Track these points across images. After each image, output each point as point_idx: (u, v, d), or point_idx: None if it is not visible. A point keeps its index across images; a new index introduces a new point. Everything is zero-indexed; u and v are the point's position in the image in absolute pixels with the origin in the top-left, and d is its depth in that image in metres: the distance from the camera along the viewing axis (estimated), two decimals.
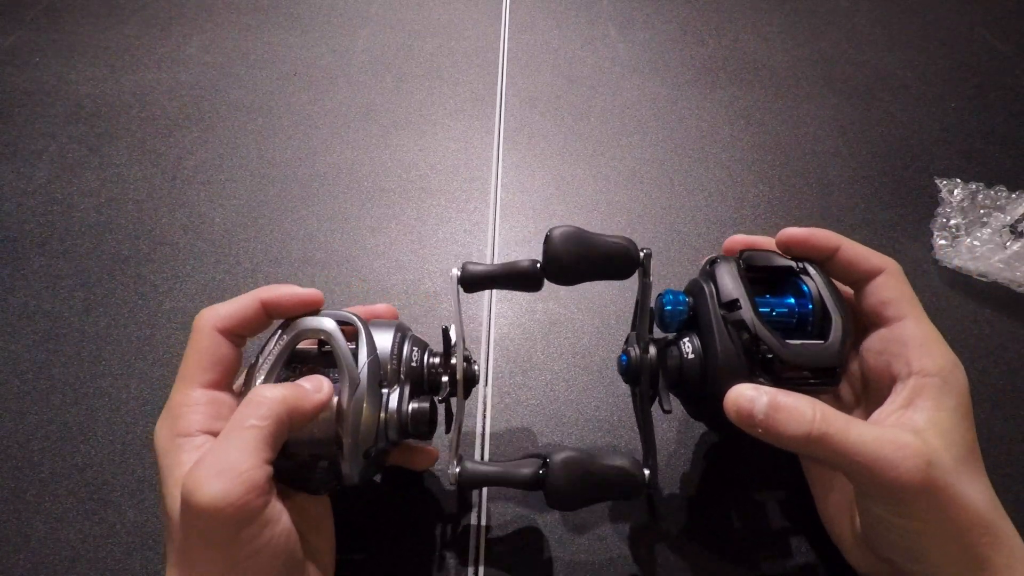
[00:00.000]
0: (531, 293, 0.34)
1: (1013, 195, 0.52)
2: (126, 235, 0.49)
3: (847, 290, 0.32)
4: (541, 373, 0.41)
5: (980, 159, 0.58)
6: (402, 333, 0.31)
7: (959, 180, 0.53)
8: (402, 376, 0.29)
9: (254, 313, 0.29)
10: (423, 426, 0.29)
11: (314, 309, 0.30)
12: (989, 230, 0.49)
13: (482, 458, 0.37)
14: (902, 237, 0.51)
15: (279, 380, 0.27)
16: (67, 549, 0.33)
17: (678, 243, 0.49)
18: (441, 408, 0.32)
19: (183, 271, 0.46)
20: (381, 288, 0.46)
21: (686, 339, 0.30)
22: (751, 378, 0.28)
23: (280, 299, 0.29)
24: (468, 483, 0.30)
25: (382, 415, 0.28)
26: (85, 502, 0.35)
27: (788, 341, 0.28)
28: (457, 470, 0.30)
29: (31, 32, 0.68)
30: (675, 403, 0.33)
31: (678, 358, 0.30)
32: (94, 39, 0.68)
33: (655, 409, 0.31)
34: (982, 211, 0.51)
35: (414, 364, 0.30)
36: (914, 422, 0.25)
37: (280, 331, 0.29)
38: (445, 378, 0.31)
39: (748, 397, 0.26)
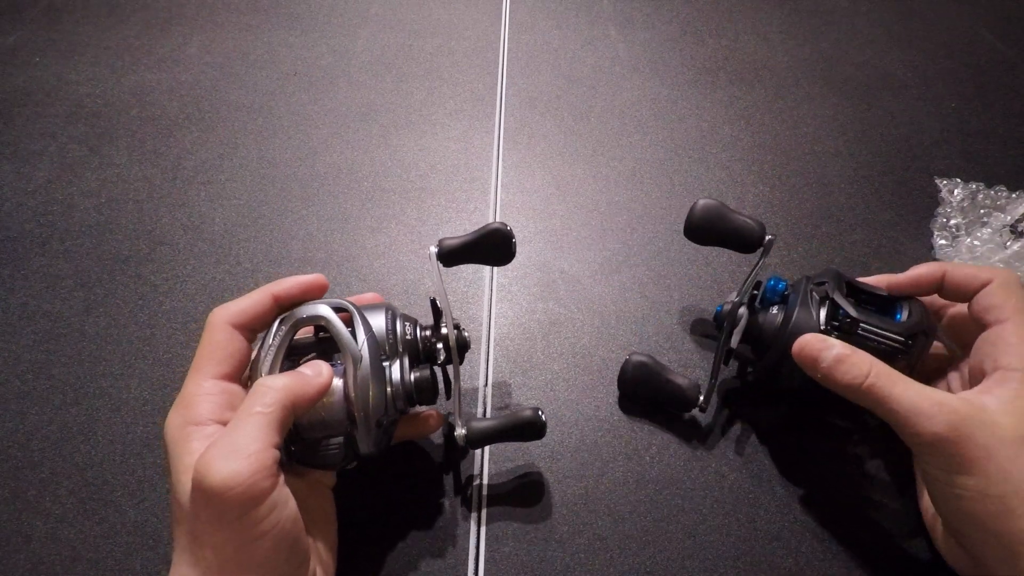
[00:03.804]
0: (502, 267, 0.36)
1: (1013, 195, 0.52)
2: (126, 235, 0.49)
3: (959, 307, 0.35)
4: (541, 373, 0.41)
5: (980, 159, 0.58)
6: (392, 312, 0.32)
7: (959, 180, 0.53)
8: (400, 350, 0.31)
9: (266, 308, 0.30)
10: (427, 392, 0.31)
11: (320, 294, 0.32)
12: (989, 230, 0.49)
13: (482, 459, 0.37)
14: (902, 237, 0.51)
15: (283, 370, 0.28)
16: (67, 549, 0.33)
17: (678, 243, 0.49)
18: (440, 381, 0.33)
19: (183, 271, 0.46)
20: (381, 288, 0.46)
21: (776, 306, 0.37)
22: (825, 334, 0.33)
23: (290, 290, 0.31)
24: (477, 440, 0.33)
25: (388, 388, 0.29)
26: (85, 502, 0.35)
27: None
28: (463, 431, 0.33)
29: (31, 32, 0.68)
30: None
31: (762, 315, 0.37)
32: (94, 39, 0.68)
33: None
34: (982, 211, 0.51)
35: (408, 337, 0.32)
36: (980, 400, 0.27)
37: (278, 323, 0.30)
38: (440, 345, 0.33)
39: (817, 347, 0.31)
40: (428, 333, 0.33)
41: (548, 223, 0.51)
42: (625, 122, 0.60)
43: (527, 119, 0.60)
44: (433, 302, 0.33)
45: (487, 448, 0.38)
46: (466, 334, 0.34)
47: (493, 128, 0.59)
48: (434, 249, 0.34)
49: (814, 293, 0.35)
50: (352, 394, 0.28)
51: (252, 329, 0.30)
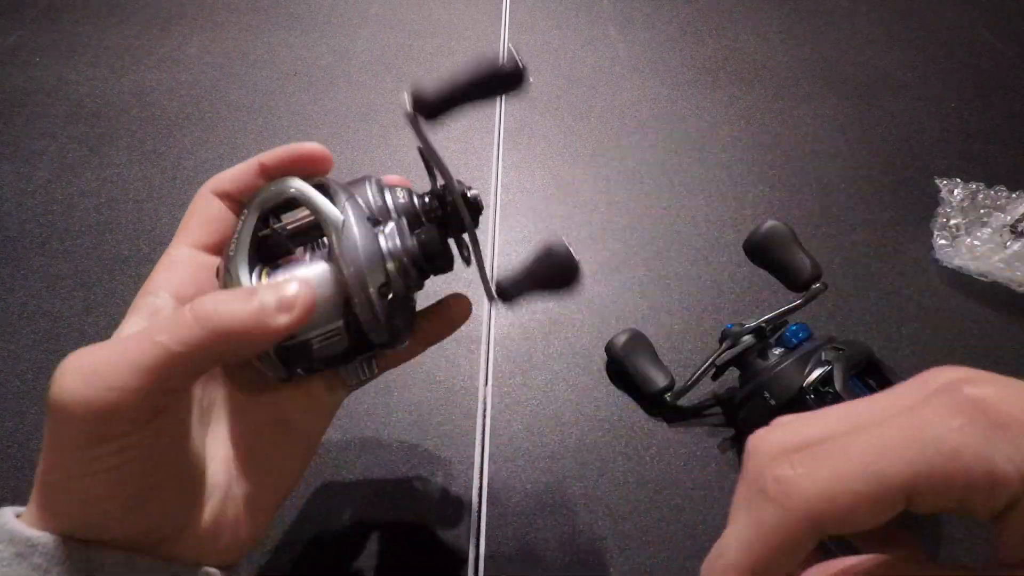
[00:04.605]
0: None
1: (1013, 195, 0.52)
2: (126, 235, 0.49)
3: None
4: (541, 373, 0.41)
5: (980, 159, 0.58)
6: (378, 181, 0.26)
7: (959, 180, 0.53)
8: (393, 214, 0.25)
9: (253, 176, 0.25)
10: (438, 254, 0.24)
11: (319, 168, 0.26)
12: (989, 230, 0.49)
13: (483, 458, 0.37)
14: (902, 237, 0.51)
15: (252, 269, 0.23)
16: None
17: (678, 243, 0.49)
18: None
19: None
20: None
21: (781, 349, 0.36)
22: (801, 396, 0.32)
23: (279, 159, 0.25)
24: (510, 291, 0.27)
25: (385, 244, 0.24)
26: None
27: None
28: (496, 295, 0.27)
29: (31, 32, 0.68)
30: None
31: (764, 350, 0.36)
32: (94, 39, 0.68)
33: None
34: (982, 211, 0.51)
35: (403, 201, 0.26)
36: None
37: (243, 209, 0.25)
38: (441, 204, 0.26)
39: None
40: (427, 200, 0.26)
41: (548, 223, 0.51)
42: (625, 122, 0.60)
43: (527, 119, 0.60)
44: (422, 154, 0.26)
45: (487, 447, 0.38)
46: (475, 192, 0.26)
47: (493, 128, 0.59)
48: (406, 97, 0.25)
49: (823, 353, 0.34)
50: (341, 265, 0.22)
51: (239, 201, 0.26)
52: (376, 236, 0.24)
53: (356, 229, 0.23)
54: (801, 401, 0.33)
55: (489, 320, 0.44)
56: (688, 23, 0.74)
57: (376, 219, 0.25)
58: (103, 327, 0.43)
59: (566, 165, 0.56)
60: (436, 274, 0.25)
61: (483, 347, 0.43)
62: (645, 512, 0.35)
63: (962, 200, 0.51)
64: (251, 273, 0.23)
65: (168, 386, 0.19)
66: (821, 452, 0.15)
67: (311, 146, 0.25)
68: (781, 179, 0.55)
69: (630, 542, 0.34)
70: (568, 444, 0.38)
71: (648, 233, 0.50)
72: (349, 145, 0.57)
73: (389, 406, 0.39)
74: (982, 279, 0.47)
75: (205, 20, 0.71)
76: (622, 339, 0.40)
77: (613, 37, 0.71)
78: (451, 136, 0.58)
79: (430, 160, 0.26)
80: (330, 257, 0.23)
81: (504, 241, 0.49)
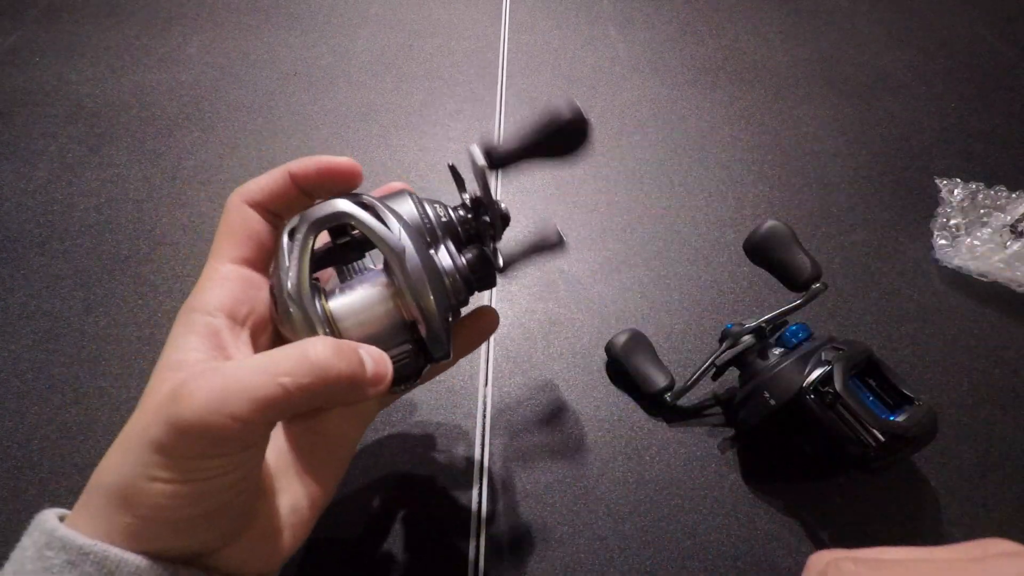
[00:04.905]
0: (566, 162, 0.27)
1: (1013, 195, 0.52)
2: (126, 235, 0.49)
3: None
4: (541, 373, 0.41)
5: (980, 159, 0.58)
6: (416, 196, 0.27)
7: (959, 180, 0.53)
8: (439, 234, 0.27)
9: (283, 185, 0.26)
10: (486, 274, 0.27)
11: (350, 183, 0.26)
12: (989, 230, 0.49)
13: (483, 458, 0.37)
14: (902, 237, 0.51)
15: (316, 299, 0.24)
16: None
17: (678, 243, 0.49)
18: None
19: (183, 271, 0.46)
20: None
21: (781, 350, 0.36)
22: (801, 396, 0.33)
23: (307, 169, 0.25)
24: (504, 161, 0.27)
25: (441, 266, 0.25)
26: None
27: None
28: (482, 156, 0.26)
29: (31, 32, 0.68)
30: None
31: (764, 350, 0.36)
32: (94, 39, 0.68)
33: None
34: (982, 211, 0.51)
35: (444, 220, 0.27)
36: None
37: (287, 233, 0.25)
38: (484, 218, 0.27)
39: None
40: (463, 213, 0.28)
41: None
42: (625, 122, 0.60)
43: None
44: (453, 168, 0.28)
45: (487, 447, 0.38)
46: (504, 206, 0.28)
47: (493, 128, 0.59)
48: (480, 156, 0.26)
49: (823, 353, 0.34)
50: (406, 293, 0.24)
51: (272, 211, 0.26)
52: (433, 259, 0.25)
53: (417, 255, 0.24)
54: (801, 401, 0.33)
55: None
56: (688, 23, 0.74)
57: (427, 239, 0.26)
58: (103, 327, 0.43)
59: (566, 165, 0.56)
60: (481, 291, 0.27)
61: (483, 347, 0.43)
62: (645, 512, 0.35)
63: (962, 200, 0.51)
64: (315, 302, 0.24)
65: (275, 419, 0.20)
66: (880, 564, 0.18)
67: (344, 161, 0.26)
68: (781, 179, 0.55)
69: (630, 542, 0.34)
70: (568, 444, 0.38)
71: (648, 233, 0.50)
72: (349, 145, 0.57)
73: (389, 406, 0.39)
74: (982, 279, 0.47)
75: (205, 20, 0.71)
76: (622, 339, 0.40)
77: (613, 37, 0.71)
78: (451, 136, 0.58)
79: (485, 200, 0.27)
80: (390, 279, 0.25)
81: (504, 242, 0.49)
